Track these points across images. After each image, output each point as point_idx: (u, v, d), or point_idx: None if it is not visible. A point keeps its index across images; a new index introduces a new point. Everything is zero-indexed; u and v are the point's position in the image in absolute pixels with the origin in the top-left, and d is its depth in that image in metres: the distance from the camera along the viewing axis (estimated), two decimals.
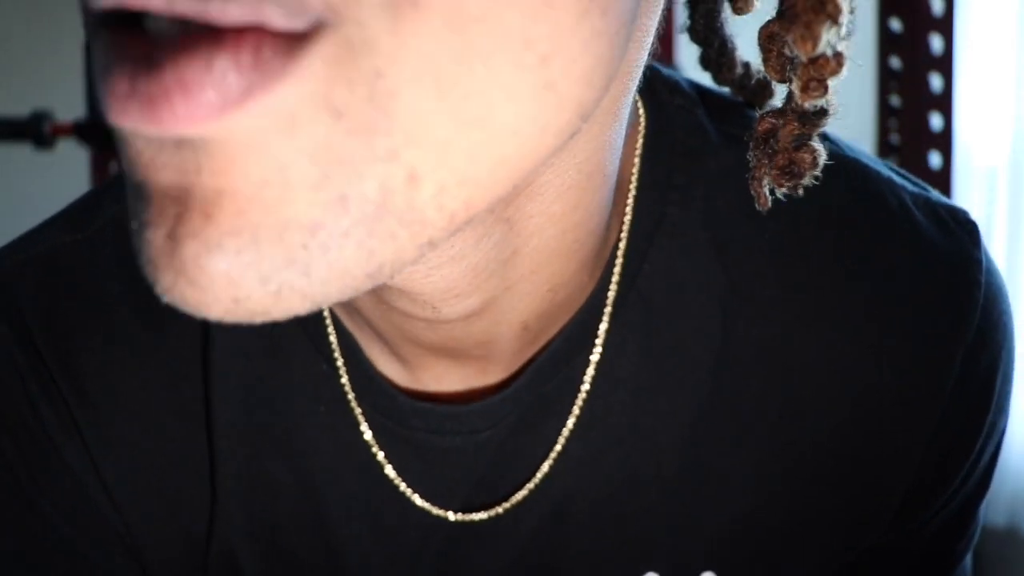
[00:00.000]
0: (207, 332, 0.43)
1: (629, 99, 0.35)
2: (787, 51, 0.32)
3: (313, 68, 0.21)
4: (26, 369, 0.43)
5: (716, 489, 0.43)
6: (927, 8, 1.52)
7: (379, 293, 0.36)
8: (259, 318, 0.23)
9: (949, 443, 0.43)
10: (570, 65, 0.23)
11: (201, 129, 0.21)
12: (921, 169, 1.53)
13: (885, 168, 0.45)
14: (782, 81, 0.34)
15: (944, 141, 1.53)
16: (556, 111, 0.24)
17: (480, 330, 0.38)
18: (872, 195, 0.43)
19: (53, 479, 0.43)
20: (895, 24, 1.57)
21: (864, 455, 0.43)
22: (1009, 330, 0.45)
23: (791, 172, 0.34)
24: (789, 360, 0.42)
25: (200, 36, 0.20)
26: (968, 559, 0.49)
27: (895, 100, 1.59)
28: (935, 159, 1.54)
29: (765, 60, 0.33)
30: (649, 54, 0.34)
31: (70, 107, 1.63)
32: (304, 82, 0.21)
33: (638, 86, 0.43)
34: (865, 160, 0.45)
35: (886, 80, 1.58)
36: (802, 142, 0.34)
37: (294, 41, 0.21)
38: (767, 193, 0.36)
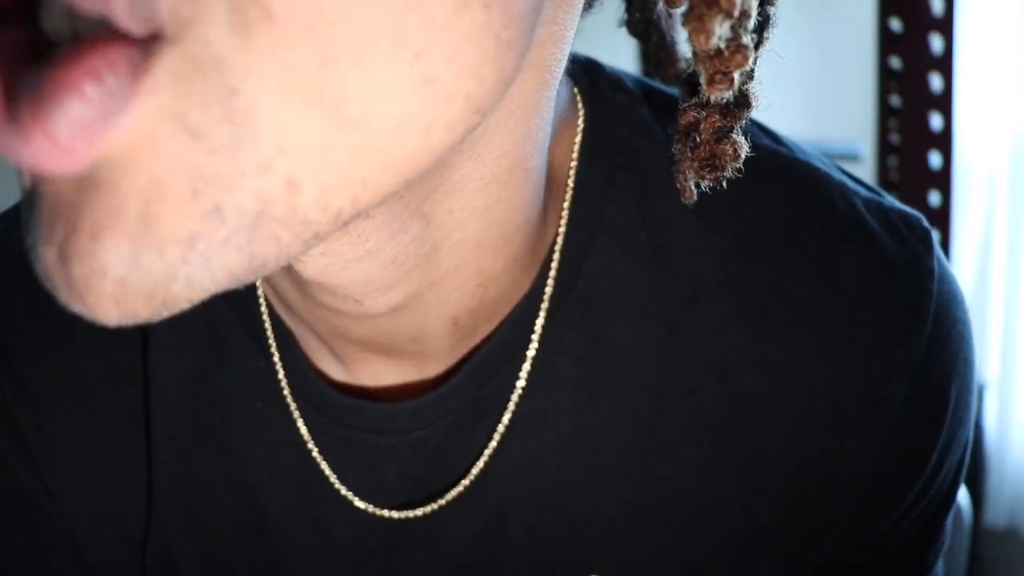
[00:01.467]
0: (146, 328, 0.43)
1: (549, 93, 0.34)
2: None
3: (162, 82, 0.20)
4: None
5: (660, 494, 0.42)
6: (927, 8, 1.52)
7: (303, 289, 0.35)
8: (147, 317, 0.24)
9: (901, 455, 0.42)
10: (450, 59, 0.23)
11: (76, 164, 0.21)
12: (921, 169, 1.53)
13: (838, 172, 0.44)
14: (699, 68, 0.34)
15: (944, 141, 1.53)
16: (442, 105, 0.24)
17: (409, 324, 0.37)
18: (822, 198, 0.42)
19: (1, 485, 0.43)
20: (895, 24, 1.57)
21: (811, 463, 0.42)
22: (964, 340, 0.43)
23: (712, 164, 0.34)
24: (735, 365, 0.41)
25: (53, 69, 0.20)
26: (939, 568, 0.48)
27: (895, 100, 1.59)
28: (935, 159, 1.54)
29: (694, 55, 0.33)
30: (567, 50, 0.34)
31: None
32: (155, 97, 0.20)
33: (581, 83, 0.42)
34: (817, 163, 0.44)
35: (886, 80, 1.58)
36: (723, 134, 0.34)
37: (142, 52, 0.20)
38: (692, 187, 0.36)
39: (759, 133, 0.44)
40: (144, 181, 0.21)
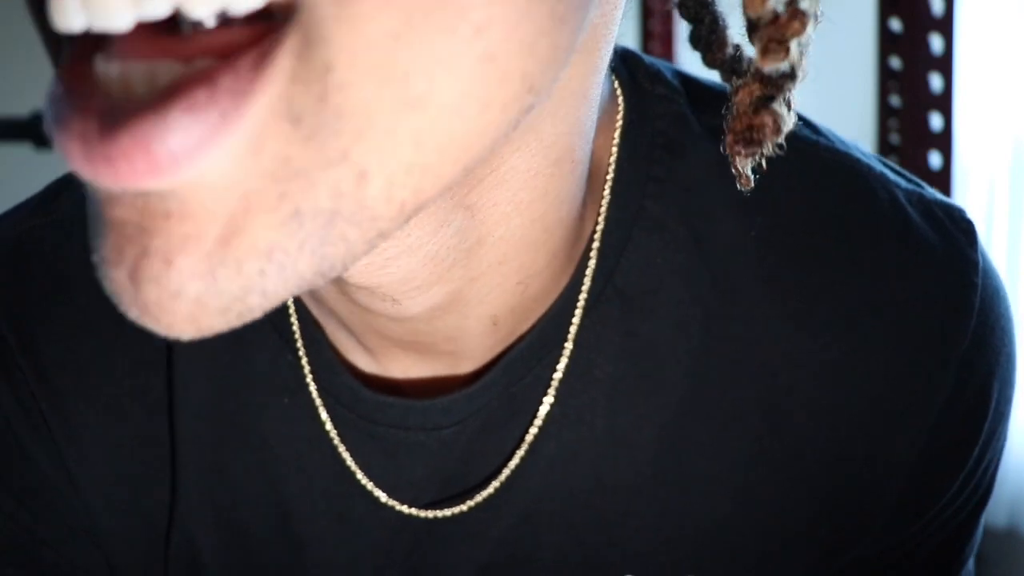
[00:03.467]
0: None
1: (597, 80, 0.34)
2: (748, 14, 0.30)
3: (281, 68, 0.20)
4: None
5: (695, 493, 0.42)
6: (927, 8, 1.52)
7: (341, 287, 0.35)
8: (219, 329, 0.24)
9: (943, 452, 0.42)
10: (508, 35, 0.23)
11: (168, 181, 0.21)
12: (921, 169, 1.53)
13: (879, 164, 0.44)
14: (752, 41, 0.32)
15: (944, 141, 1.53)
16: (498, 84, 0.23)
17: (447, 325, 0.37)
18: (863, 190, 0.42)
19: (14, 469, 0.43)
20: (895, 24, 1.57)
21: (851, 462, 0.41)
22: (1008, 334, 0.43)
23: (749, 139, 0.32)
24: (772, 361, 0.41)
25: (160, 93, 0.20)
26: (971, 565, 0.48)
27: (895, 100, 1.58)
28: (935, 159, 1.54)
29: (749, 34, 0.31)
30: (613, 39, 0.33)
31: None
32: (274, 85, 0.20)
33: (620, 75, 0.42)
34: (858, 155, 0.43)
35: (886, 80, 1.58)
36: (762, 105, 0.32)
37: (263, 41, 0.20)
38: (749, 172, 0.34)
39: (799, 125, 0.43)
40: (238, 195, 0.21)
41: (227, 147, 0.21)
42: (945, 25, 1.51)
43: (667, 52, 1.65)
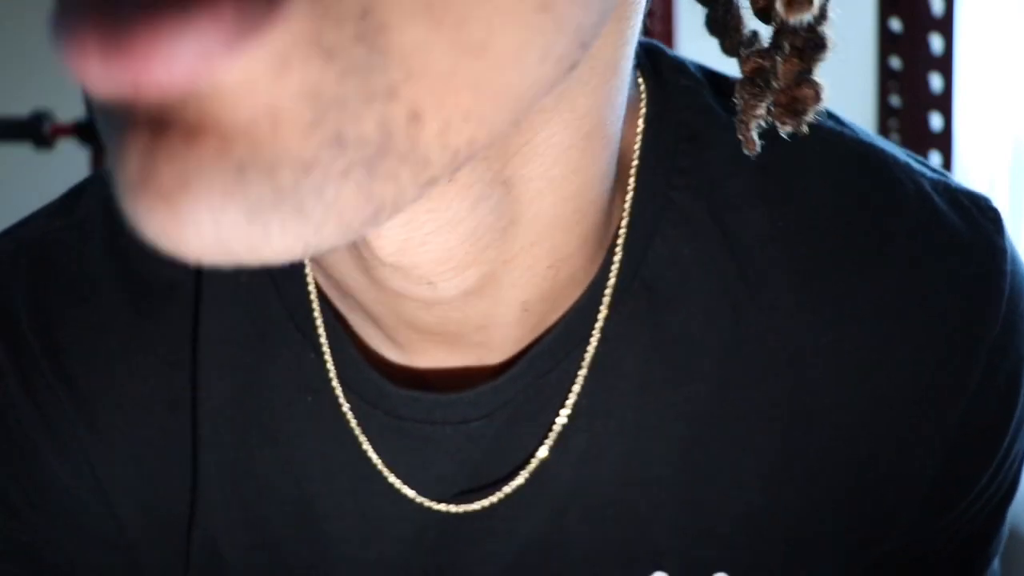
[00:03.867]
0: (196, 318, 0.43)
1: (627, 53, 0.34)
2: None
3: (301, 8, 0.19)
4: (6, 365, 0.43)
5: (725, 487, 0.42)
6: (927, 8, 1.52)
7: (372, 274, 0.35)
8: (244, 257, 0.21)
9: (974, 441, 0.41)
10: None
11: (182, 89, 0.19)
12: None
13: (903, 154, 0.44)
14: (767, 21, 0.34)
15: (944, 141, 1.53)
16: (555, 35, 0.23)
17: (478, 311, 0.37)
18: (889, 180, 0.42)
19: (32, 477, 0.43)
20: (895, 24, 1.57)
21: (881, 452, 0.41)
22: None
23: (794, 110, 0.34)
24: (801, 352, 0.41)
25: None
26: (997, 562, 0.48)
27: (895, 100, 1.58)
28: (935, 159, 1.54)
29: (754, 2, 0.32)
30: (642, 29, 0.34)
31: (70, 107, 1.63)
32: (292, 23, 0.19)
33: (644, 66, 0.42)
34: (882, 145, 0.43)
35: (886, 80, 1.58)
36: (804, 78, 0.34)
37: None
38: (755, 137, 0.35)
39: (823, 116, 0.44)
40: (262, 105, 0.20)
41: (245, 62, 0.19)
42: (945, 25, 1.51)
43: None
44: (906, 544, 0.44)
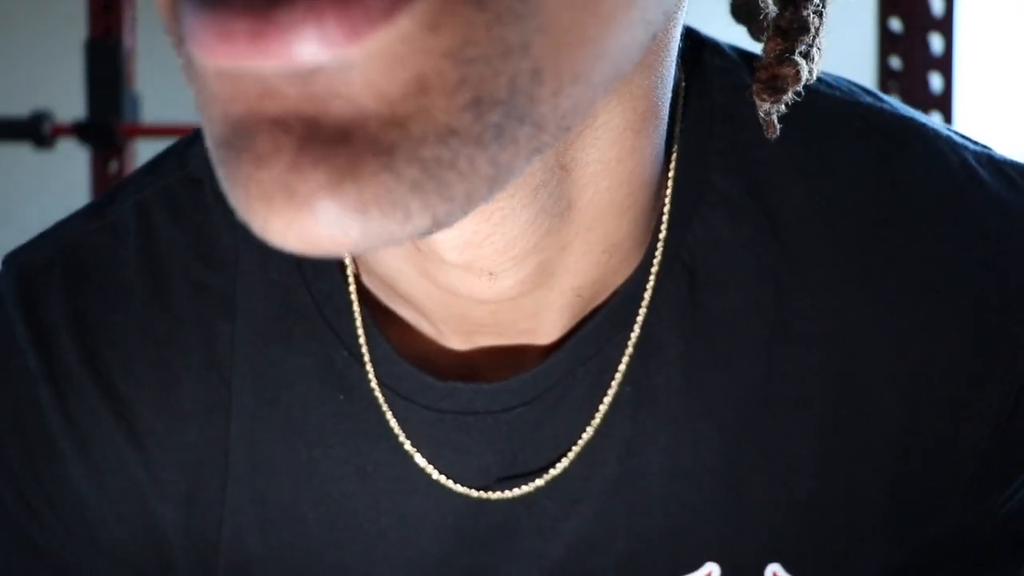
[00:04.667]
0: (227, 320, 0.43)
1: (676, 34, 0.34)
2: None
3: None
4: (40, 374, 0.42)
5: (777, 471, 0.41)
6: (927, 8, 1.52)
7: (427, 268, 0.35)
8: (384, 242, 0.21)
9: (1021, 417, 0.40)
10: None
11: (346, 54, 0.19)
12: None
13: (944, 128, 0.43)
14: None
15: None
16: (655, 6, 0.24)
17: (532, 300, 0.36)
18: (931, 154, 0.41)
19: (55, 484, 0.43)
20: (895, 24, 1.57)
21: (930, 430, 0.40)
22: None
23: (774, 86, 0.35)
24: (847, 333, 0.40)
25: None
26: None
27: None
28: None
29: None
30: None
31: (70, 107, 1.63)
32: None
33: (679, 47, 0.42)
34: (921, 119, 0.43)
35: (886, 80, 1.59)
36: (784, 56, 0.35)
37: None
38: (774, 120, 0.36)
39: (861, 92, 0.43)
40: (412, 75, 0.20)
41: (404, 20, 0.19)
42: (945, 25, 1.51)
43: None
44: (955, 527, 0.43)
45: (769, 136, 0.36)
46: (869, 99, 0.43)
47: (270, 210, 0.20)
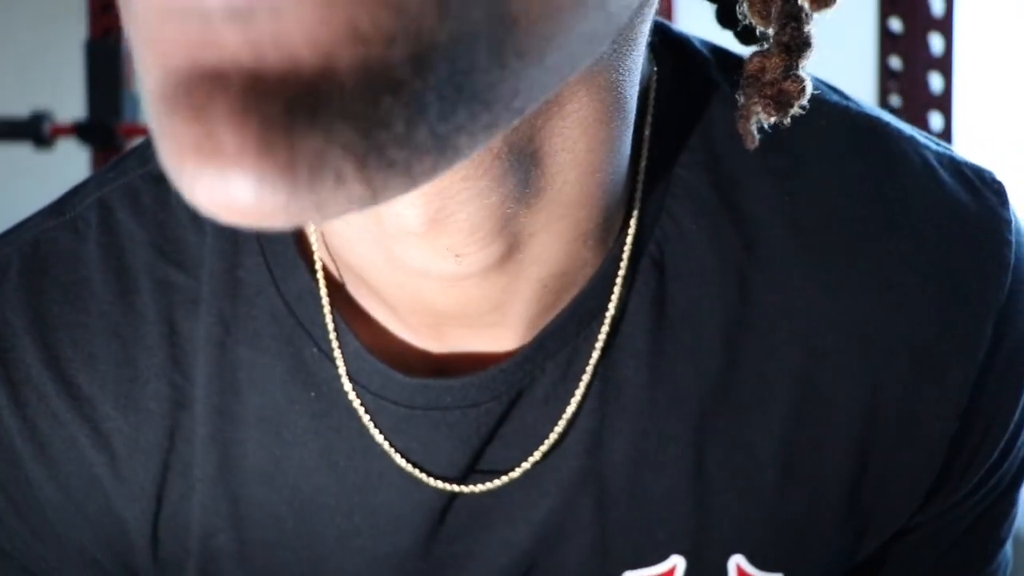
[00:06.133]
0: (192, 319, 0.42)
1: (645, 29, 0.34)
2: None
3: None
4: None
5: (739, 467, 0.41)
6: (927, 8, 1.52)
7: (395, 253, 0.35)
8: (316, 214, 0.20)
9: (985, 413, 0.41)
10: None
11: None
12: None
13: (908, 128, 0.44)
14: (765, 24, 0.35)
15: (944, 141, 1.53)
16: None
17: (498, 288, 0.37)
18: (894, 153, 0.42)
19: (16, 486, 0.43)
20: (895, 24, 1.57)
21: (893, 426, 0.41)
22: None
23: (780, 101, 0.35)
24: (810, 326, 0.41)
25: None
26: (1009, 544, 0.47)
27: (895, 100, 1.58)
28: None
29: (750, 6, 0.34)
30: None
31: (70, 107, 1.63)
32: None
33: (650, 43, 0.41)
34: (887, 119, 0.44)
35: (886, 80, 1.58)
36: (789, 73, 0.35)
37: None
38: (755, 132, 0.36)
39: (827, 90, 0.44)
40: (340, 18, 0.18)
41: None
42: (945, 25, 1.51)
43: None
44: (919, 522, 0.44)
45: (748, 147, 0.37)
46: (835, 97, 0.44)
47: (198, 167, 0.19)
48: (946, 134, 1.53)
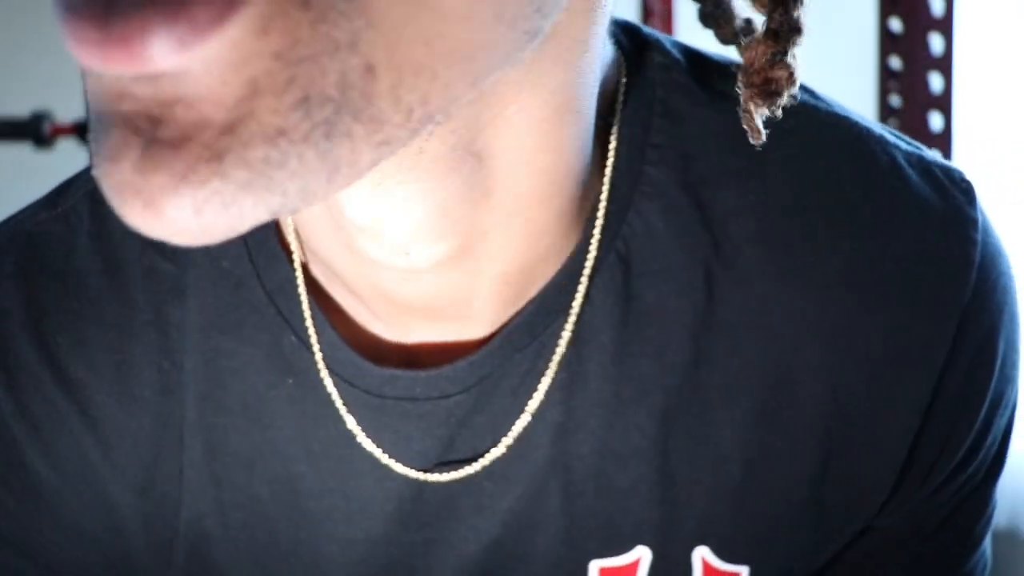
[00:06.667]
0: (178, 306, 0.43)
1: (598, 31, 0.34)
2: None
3: None
4: None
5: (705, 458, 0.42)
6: (927, 8, 1.52)
7: (352, 246, 0.35)
8: (223, 235, 0.23)
9: (949, 409, 0.42)
10: None
11: (181, 61, 0.21)
12: None
13: (878, 127, 0.44)
14: (762, 9, 0.35)
15: (944, 141, 1.53)
16: None
17: (455, 283, 0.37)
18: (862, 153, 0.42)
19: (10, 469, 0.44)
20: (895, 24, 1.57)
21: (856, 422, 0.42)
22: (1011, 293, 0.43)
23: (768, 91, 0.35)
24: (775, 323, 0.41)
25: None
26: (987, 543, 0.48)
27: (895, 100, 1.58)
28: None
29: None
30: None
31: (70, 107, 1.63)
32: None
33: (621, 44, 0.42)
34: (856, 118, 0.44)
35: (886, 80, 1.58)
36: (777, 59, 0.35)
37: None
38: (760, 126, 0.36)
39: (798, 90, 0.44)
40: (246, 78, 0.21)
41: (234, 27, 0.21)
42: (945, 25, 1.51)
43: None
44: (887, 520, 0.44)
45: (755, 141, 0.36)
46: (805, 96, 0.44)
47: (123, 201, 0.23)
48: (946, 134, 1.53)
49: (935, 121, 1.54)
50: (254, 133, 0.22)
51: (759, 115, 0.36)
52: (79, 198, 0.45)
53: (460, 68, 0.24)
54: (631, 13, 1.65)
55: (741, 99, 0.36)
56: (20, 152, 1.66)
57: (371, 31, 0.22)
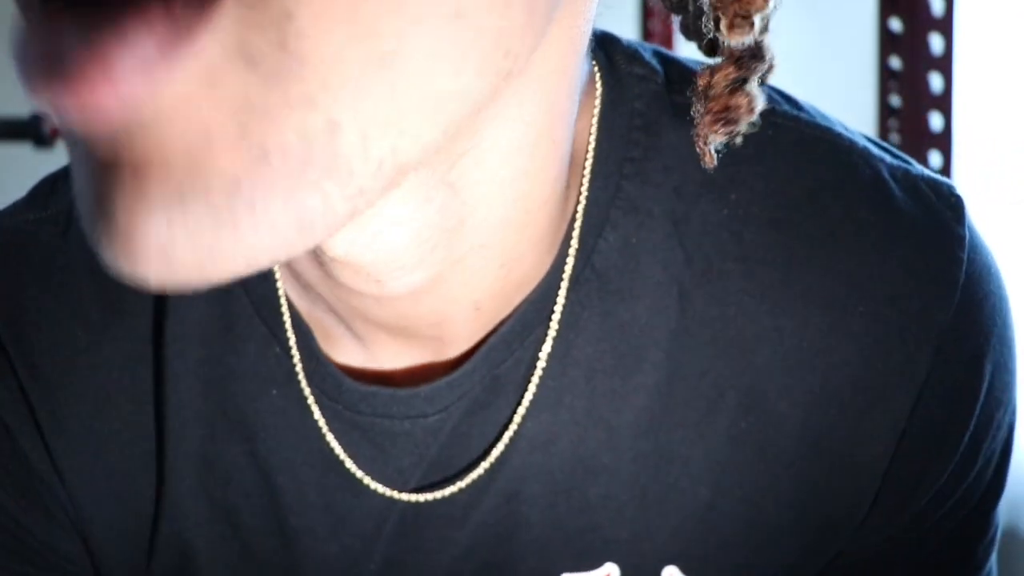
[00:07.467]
0: (162, 312, 0.43)
1: (576, 60, 0.33)
2: None
3: (228, 13, 0.20)
4: None
5: (676, 477, 0.41)
6: (927, 8, 1.52)
7: (326, 268, 0.35)
8: (196, 281, 0.23)
9: (927, 433, 0.41)
10: None
11: (126, 113, 0.21)
12: None
13: (863, 139, 0.43)
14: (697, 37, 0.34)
15: (944, 141, 1.53)
16: (471, 44, 0.23)
17: (430, 309, 0.37)
18: (844, 166, 0.41)
19: (8, 461, 0.44)
20: (895, 24, 1.57)
21: (832, 443, 0.41)
22: (1001, 314, 0.41)
23: (726, 118, 0.34)
24: (750, 339, 0.40)
25: (108, 14, 0.20)
26: (992, 563, 0.46)
27: (895, 100, 1.58)
28: (935, 159, 1.54)
29: (716, 13, 0.33)
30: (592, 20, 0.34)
31: None
32: (219, 31, 0.20)
33: (598, 57, 0.42)
34: (840, 130, 0.43)
35: (886, 80, 1.58)
36: (737, 86, 0.34)
37: None
38: (712, 151, 0.35)
39: (779, 99, 0.43)
40: (196, 125, 0.21)
41: (178, 81, 0.21)
42: (945, 25, 1.51)
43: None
44: (872, 544, 0.43)
45: (707, 166, 0.36)
46: (786, 106, 0.43)
47: (95, 239, 0.23)
48: (946, 134, 1.53)
49: (935, 121, 1.54)
50: (213, 178, 0.22)
51: (712, 141, 0.35)
52: (67, 200, 0.45)
53: (429, 119, 0.24)
54: (631, 37, 1.65)
55: (695, 124, 0.35)
56: (20, 152, 1.66)
57: (328, 91, 0.22)
